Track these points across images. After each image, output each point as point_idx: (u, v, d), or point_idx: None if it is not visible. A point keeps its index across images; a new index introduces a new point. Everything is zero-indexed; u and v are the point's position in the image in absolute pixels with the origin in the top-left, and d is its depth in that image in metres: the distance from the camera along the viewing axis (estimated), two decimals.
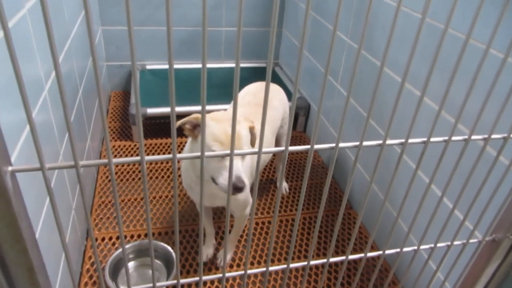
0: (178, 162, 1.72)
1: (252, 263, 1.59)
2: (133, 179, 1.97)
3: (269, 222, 1.79)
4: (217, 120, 1.12)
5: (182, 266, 1.53)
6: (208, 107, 2.27)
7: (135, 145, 2.22)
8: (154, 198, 1.86)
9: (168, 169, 2.06)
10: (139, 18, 2.51)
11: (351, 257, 0.77)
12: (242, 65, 2.82)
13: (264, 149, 0.52)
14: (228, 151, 0.51)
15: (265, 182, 2.03)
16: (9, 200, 0.47)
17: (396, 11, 0.48)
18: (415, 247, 0.83)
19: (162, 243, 1.50)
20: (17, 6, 0.93)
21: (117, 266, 1.43)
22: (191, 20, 2.60)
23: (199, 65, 2.75)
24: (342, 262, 0.78)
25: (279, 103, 1.65)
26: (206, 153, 0.50)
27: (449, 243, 0.86)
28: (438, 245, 0.83)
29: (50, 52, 0.39)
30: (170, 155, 0.49)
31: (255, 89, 1.63)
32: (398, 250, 0.82)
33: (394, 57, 1.51)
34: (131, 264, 1.48)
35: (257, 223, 1.77)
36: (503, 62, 0.59)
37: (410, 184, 0.68)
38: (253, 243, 1.68)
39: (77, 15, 1.73)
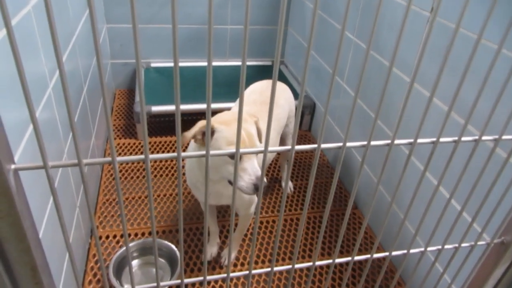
0: (183, 160, 1.71)
1: (256, 262, 1.59)
2: (137, 177, 1.97)
3: (274, 221, 1.78)
4: (225, 123, 1.11)
5: (186, 264, 1.53)
6: (213, 105, 2.26)
7: (139, 143, 2.22)
8: (159, 196, 1.86)
9: (172, 167, 2.06)
10: (144, 16, 2.50)
11: (357, 258, 0.76)
12: (247, 63, 2.81)
13: (270, 148, 0.51)
14: (221, 151, 0.51)
15: (269, 181, 2.03)
16: (12, 198, 0.47)
17: (406, 11, 0.47)
18: (422, 249, 0.82)
19: (166, 242, 1.50)
20: (21, 3, 0.93)
21: (121, 264, 1.43)
22: (196, 18, 2.59)
23: (204, 63, 2.75)
24: (347, 263, 0.77)
25: (285, 102, 1.64)
26: (211, 152, 0.49)
27: (456, 245, 0.84)
28: (446, 246, 0.82)
29: (54, 50, 0.38)
30: (175, 154, 0.49)
31: (261, 87, 1.62)
32: (405, 251, 0.80)
33: (401, 56, 1.50)
34: (135, 262, 1.48)
35: (261, 222, 1.77)
36: None
37: (418, 185, 0.67)
38: (257, 242, 1.67)
39: (81, 13, 1.73)
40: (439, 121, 1.31)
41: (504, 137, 0.67)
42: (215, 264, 1.57)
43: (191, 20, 2.59)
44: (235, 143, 1.07)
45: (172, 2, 0.39)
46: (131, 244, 1.47)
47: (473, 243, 0.85)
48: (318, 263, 0.72)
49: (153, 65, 2.66)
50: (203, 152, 0.49)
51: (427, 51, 1.36)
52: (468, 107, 1.20)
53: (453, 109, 1.33)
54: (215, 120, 1.13)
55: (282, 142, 1.76)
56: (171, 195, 1.87)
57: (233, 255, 1.57)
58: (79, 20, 1.66)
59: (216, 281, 1.49)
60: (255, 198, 1.36)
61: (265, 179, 1.07)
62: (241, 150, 0.50)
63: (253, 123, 1.16)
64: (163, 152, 2.17)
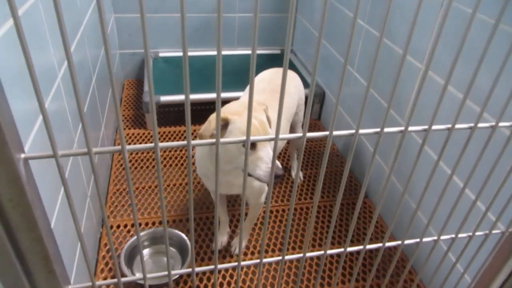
0: (193, 149, 1.71)
1: (266, 251, 1.59)
2: (147, 167, 1.98)
3: (283, 211, 1.78)
4: (238, 113, 1.10)
5: (197, 253, 1.54)
6: (222, 95, 2.26)
7: (148, 133, 2.23)
8: (168, 186, 1.86)
9: (181, 157, 2.06)
10: (151, 5, 2.49)
11: (369, 246, 0.75)
12: (256, 51, 2.79)
13: (281, 135, 0.50)
14: (232, 139, 0.50)
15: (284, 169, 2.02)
16: (23, 188, 0.46)
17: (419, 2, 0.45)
18: (435, 238, 0.81)
19: (176, 231, 1.51)
20: None
21: (132, 253, 1.44)
22: (204, 6, 2.57)
23: (212, 52, 2.73)
24: (357, 252, 0.76)
25: (294, 90, 1.62)
26: (222, 140, 0.49)
27: (470, 233, 0.83)
28: (460, 235, 0.81)
29: (62, 40, 0.38)
30: (184, 142, 0.48)
31: (270, 75, 1.60)
32: (418, 240, 0.79)
33: (412, 41, 1.47)
34: (146, 252, 1.49)
35: (271, 211, 1.76)
36: None
37: (432, 174, 0.65)
38: (267, 231, 1.67)
39: (89, 2, 1.72)
40: (452, 108, 1.28)
41: None
42: (225, 253, 1.58)
43: (199, 9, 2.57)
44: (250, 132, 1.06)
45: None
46: (141, 234, 1.49)
47: (487, 231, 0.83)
48: (329, 252, 0.71)
49: (161, 54, 2.65)
50: (213, 140, 0.48)
51: (444, 39, 1.33)
52: (482, 93, 1.18)
53: (468, 96, 1.30)
54: (227, 111, 1.12)
55: (292, 130, 1.74)
56: (180, 184, 1.88)
57: (243, 244, 1.57)
58: (87, 10, 1.66)
59: (226, 270, 1.50)
60: (265, 187, 1.35)
61: (280, 166, 1.06)
62: (253, 138, 0.49)
63: (263, 112, 1.15)
64: (172, 141, 2.17)
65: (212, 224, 1.67)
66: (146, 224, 1.65)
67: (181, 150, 2.10)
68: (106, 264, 1.46)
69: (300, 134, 0.51)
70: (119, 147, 0.46)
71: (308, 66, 2.62)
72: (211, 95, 2.23)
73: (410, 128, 0.57)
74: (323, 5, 0.42)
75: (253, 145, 1.07)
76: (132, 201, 0.52)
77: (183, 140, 2.20)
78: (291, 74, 1.69)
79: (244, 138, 0.49)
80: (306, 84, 2.40)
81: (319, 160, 2.12)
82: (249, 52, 2.77)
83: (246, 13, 2.67)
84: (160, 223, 1.65)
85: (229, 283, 1.45)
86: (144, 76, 2.41)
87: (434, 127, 0.58)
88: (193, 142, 0.48)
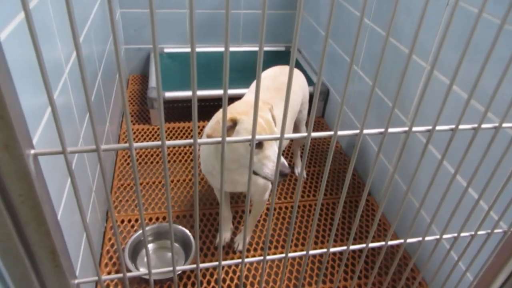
0: (198, 147, 1.72)
1: (269, 248, 1.60)
2: (151, 162, 1.99)
3: (287, 208, 1.79)
4: (245, 113, 1.11)
5: (200, 249, 1.55)
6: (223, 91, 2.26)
7: (153, 129, 2.24)
8: (172, 181, 1.88)
9: (185, 153, 2.07)
10: (157, 1, 2.49)
11: (371, 245, 0.75)
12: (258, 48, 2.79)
13: (286, 135, 0.51)
14: (235, 138, 0.51)
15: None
16: (32, 183, 0.47)
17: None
18: (438, 236, 0.81)
19: (180, 226, 1.52)
20: None
21: (136, 248, 1.46)
22: (208, 2, 2.57)
23: (217, 49, 2.73)
24: (360, 250, 0.77)
25: (298, 88, 1.62)
26: (228, 139, 0.49)
27: (472, 232, 0.84)
28: (462, 234, 0.81)
29: (72, 37, 0.38)
30: (191, 140, 0.49)
31: (274, 73, 1.61)
32: (420, 239, 0.80)
33: (417, 40, 1.47)
34: (150, 247, 1.50)
35: (274, 209, 1.77)
36: None
37: (435, 173, 0.66)
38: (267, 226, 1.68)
39: None
40: (455, 107, 1.28)
41: None
42: (229, 249, 1.59)
43: (203, 5, 2.57)
44: (257, 132, 1.07)
45: None
46: (146, 228, 1.50)
47: (489, 231, 0.84)
48: (332, 249, 0.72)
49: (166, 50, 2.65)
50: (219, 139, 0.49)
51: (449, 38, 1.33)
52: (486, 92, 1.18)
53: (472, 96, 1.30)
54: (234, 112, 1.12)
55: (296, 128, 1.75)
56: (184, 180, 1.89)
57: (246, 240, 1.58)
58: (93, 5, 1.66)
59: (229, 265, 1.51)
60: (269, 184, 1.36)
61: (287, 165, 1.07)
62: (258, 137, 0.50)
63: (268, 111, 1.16)
64: (177, 137, 2.19)
65: (215, 220, 1.68)
66: (150, 219, 1.66)
67: (185, 147, 2.11)
68: (110, 258, 1.48)
69: (305, 134, 0.52)
70: (126, 145, 0.47)
71: (313, 64, 2.62)
72: (216, 92, 2.24)
73: (414, 129, 0.57)
74: (330, 7, 0.42)
75: (260, 144, 1.07)
76: (138, 197, 0.52)
77: (188, 136, 2.21)
78: (295, 72, 1.69)
79: (250, 137, 0.49)
80: (310, 82, 2.40)
81: (323, 158, 2.12)
82: (254, 48, 2.78)
83: (251, 10, 2.67)
84: (164, 218, 1.66)
85: (232, 279, 1.46)
86: (149, 72, 2.42)
87: (438, 127, 0.59)
88: (199, 140, 0.48)
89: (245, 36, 2.76)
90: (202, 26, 2.65)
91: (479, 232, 0.83)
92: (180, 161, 2.02)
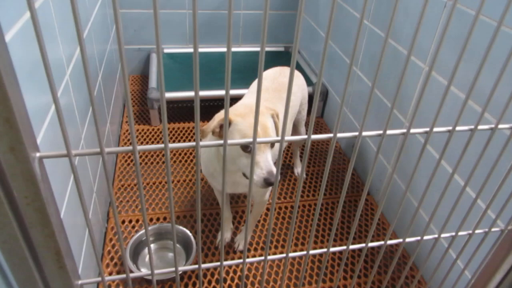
0: None
1: (269, 248, 1.61)
2: (151, 163, 1.99)
3: (286, 207, 1.80)
4: (241, 115, 1.11)
5: (201, 249, 1.56)
6: (224, 92, 2.27)
7: (153, 129, 2.24)
8: (172, 182, 1.88)
9: (185, 154, 2.08)
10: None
11: (371, 244, 0.76)
12: (258, 49, 2.80)
13: (287, 137, 0.52)
14: (240, 140, 0.52)
15: (281, 168, 2.04)
16: (38, 185, 0.48)
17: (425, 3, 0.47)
18: (436, 235, 0.82)
19: (180, 227, 1.53)
20: None
21: (137, 249, 1.47)
22: (208, 3, 2.58)
23: (216, 49, 2.74)
24: (359, 249, 0.78)
25: (297, 89, 1.63)
26: (229, 141, 0.50)
27: (470, 231, 0.85)
28: (460, 233, 0.82)
29: (77, 38, 0.39)
30: (194, 143, 0.49)
31: (273, 74, 1.62)
32: (419, 238, 0.81)
33: (422, 45, 1.47)
34: (151, 247, 1.51)
35: (274, 209, 1.78)
36: None
37: (433, 173, 0.67)
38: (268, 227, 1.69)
39: None
40: (453, 107, 1.29)
41: None
42: (229, 249, 1.60)
43: (203, 6, 2.58)
44: (248, 136, 1.08)
45: None
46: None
47: (487, 229, 0.85)
48: (332, 249, 0.73)
49: (166, 51, 2.66)
50: (221, 142, 0.50)
51: (448, 39, 1.34)
52: (483, 93, 1.19)
53: (465, 96, 1.31)
54: (232, 113, 1.13)
55: (295, 128, 1.76)
56: (184, 181, 1.90)
57: (247, 241, 1.59)
58: (94, 6, 1.67)
59: (230, 265, 1.52)
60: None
61: (274, 173, 1.07)
62: (259, 139, 0.51)
63: (270, 116, 1.16)
64: (176, 138, 2.20)
65: (216, 220, 1.69)
66: (151, 219, 1.67)
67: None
68: (112, 259, 1.49)
69: (305, 136, 0.53)
70: (130, 148, 0.48)
71: (312, 64, 2.63)
72: (216, 92, 2.24)
73: (412, 130, 0.58)
74: (330, 12, 0.43)
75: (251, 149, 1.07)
76: (141, 199, 0.53)
77: (187, 136, 2.22)
78: (294, 73, 1.70)
79: (250, 139, 0.50)
80: (309, 82, 2.41)
81: (322, 157, 2.13)
82: (253, 49, 2.78)
83: (250, 10, 2.67)
84: (165, 219, 1.67)
85: (232, 279, 1.47)
86: (149, 72, 2.42)
87: (435, 129, 0.60)
88: (201, 143, 0.49)
89: (244, 37, 2.76)
90: (202, 27, 2.66)
91: (477, 231, 0.84)
92: (180, 161, 2.03)
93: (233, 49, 2.76)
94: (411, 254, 1.59)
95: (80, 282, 0.63)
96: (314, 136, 0.54)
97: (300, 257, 1.55)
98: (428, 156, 1.44)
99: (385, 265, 1.56)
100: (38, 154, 0.48)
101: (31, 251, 0.55)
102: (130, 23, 2.55)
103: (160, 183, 1.87)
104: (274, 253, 1.59)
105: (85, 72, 0.41)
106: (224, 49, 2.75)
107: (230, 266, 1.51)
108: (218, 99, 2.27)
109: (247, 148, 1.08)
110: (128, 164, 1.96)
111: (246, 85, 1.77)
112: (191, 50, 2.70)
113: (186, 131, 2.26)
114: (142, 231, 1.49)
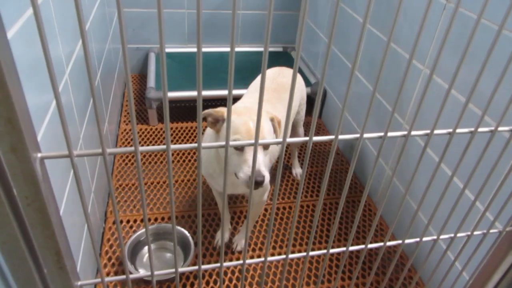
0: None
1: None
2: (149, 162, 1.99)
3: (284, 208, 1.80)
4: (237, 113, 1.12)
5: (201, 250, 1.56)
6: (224, 92, 2.26)
7: (151, 129, 2.24)
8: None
9: (183, 154, 2.08)
10: (155, 0, 2.49)
11: (370, 245, 0.77)
12: (256, 49, 2.80)
13: (288, 139, 0.52)
14: (242, 142, 0.51)
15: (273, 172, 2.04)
16: (39, 186, 0.48)
17: (427, 7, 0.47)
18: (435, 237, 0.82)
19: (178, 227, 1.53)
20: None
21: (135, 249, 1.46)
22: (207, 3, 2.58)
23: (215, 49, 2.74)
24: (357, 250, 0.78)
25: (296, 90, 1.64)
26: (231, 143, 0.50)
27: (469, 233, 0.85)
28: (458, 235, 0.83)
29: (81, 38, 0.39)
30: (195, 144, 0.49)
31: (272, 74, 1.62)
32: (418, 239, 0.81)
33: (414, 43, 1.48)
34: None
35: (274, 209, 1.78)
36: None
37: (433, 175, 0.67)
38: (268, 228, 1.69)
39: None
40: (453, 110, 1.30)
41: None
42: (227, 250, 1.60)
43: (203, 5, 2.57)
44: (240, 132, 1.08)
45: None
46: (144, 230, 1.51)
47: (485, 231, 0.85)
48: (332, 250, 0.73)
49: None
50: (223, 143, 0.50)
51: (442, 39, 1.34)
52: (483, 96, 1.19)
53: (466, 99, 1.31)
54: (233, 111, 1.14)
55: (294, 129, 1.76)
56: (183, 181, 1.90)
57: (247, 242, 1.59)
58: (93, 4, 1.67)
59: (228, 266, 1.52)
60: (268, 186, 1.37)
61: (266, 173, 1.07)
62: (261, 141, 0.51)
63: (267, 119, 1.17)
64: (175, 138, 2.19)
65: (213, 220, 1.69)
66: (149, 220, 1.67)
67: None
68: (109, 259, 1.48)
69: (306, 138, 0.53)
70: (132, 149, 0.48)
71: (310, 64, 2.63)
72: (215, 92, 2.24)
73: (413, 133, 0.59)
74: (332, 22, 0.43)
75: (242, 147, 1.07)
76: (143, 199, 0.53)
77: (186, 136, 2.21)
78: (292, 73, 1.70)
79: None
80: (308, 83, 2.41)
81: (320, 158, 2.13)
82: (252, 49, 2.78)
83: (248, 10, 2.67)
84: (163, 219, 1.67)
85: (230, 279, 1.47)
86: (148, 71, 2.42)
87: (436, 131, 0.60)
88: (203, 144, 0.49)
89: (243, 37, 2.76)
90: (202, 26, 2.65)
91: (475, 233, 0.84)
92: (178, 161, 2.02)
93: None
94: (410, 256, 1.59)
95: (79, 283, 0.63)
96: (315, 138, 0.54)
97: (298, 258, 1.55)
98: (426, 158, 1.45)
99: (383, 266, 1.57)
100: (39, 155, 0.48)
101: (31, 251, 0.55)
102: (129, 22, 2.54)
103: (158, 183, 1.86)
104: (273, 254, 1.59)
105: (88, 73, 0.41)
106: (223, 49, 2.75)
107: (228, 267, 1.51)
108: (217, 99, 2.27)
109: (240, 148, 1.08)
110: (126, 164, 1.95)
111: (245, 85, 1.77)
112: (190, 49, 2.70)
113: (184, 131, 2.26)
114: (140, 231, 1.49)
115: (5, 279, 0.64)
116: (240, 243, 1.58)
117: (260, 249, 1.60)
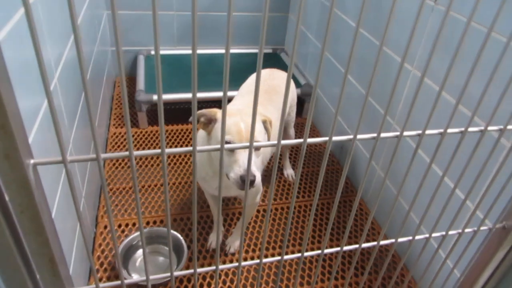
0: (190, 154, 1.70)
1: (260, 250, 1.61)
2: (140, 166, 1.98)
3: (277, 209, 1.80)
4: (229, 114, 1.13)
5: (191, 252, 1.55)
6: (215, 94, 2.26)
7: (141, 132, 2.23)
8: (162, 185, 1.87)
9: (174, 157, 2.07)
10: (144, 2, 2.48)
11: (364, 245, 0.77)
12: (248, 50, 2.80)
13: (283, 141, 0.52)
14: (237, 144, 0.52)
15: (271, 169, 2.04)
16: (32, 193, 0.47)
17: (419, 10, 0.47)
18: (427, 235, 0.83)
19: (171, 230, 1.52)
20: None
21: (128, 254, 1.45)
22: (198, 4, 2.57)
23: (205, 51, 2.73)
24: (350, 250, 0.79)
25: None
26: (226, 145, 0.50)
27: (460, 230, 0.86)
28: (450, 232, 0.84)
29: (75, 44, 0.39)
30: (190, 148, 0.49)
31: (263, 76, 1.62)
32: (410, 238, 0.82)
33: (403, 44, 1.50)
34: (141, 251, 1.50)
35: (264, 210, 1.79)
36: None
37: (425, 176, 0.68)
38: (261, 229, 1.69)
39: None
40: (442, 110, 1.32)
41: (509, 127, 0.68)
42: (220, 252, 1.59)
43: (190, 7, 2.57)
44: (230, 133, 1.09)
45: None
46: (137, 233, 1.49)
47: (476, 228, 0.86)
48: (326, 251, 0.74)
49: (153, 52, 2.64)
50: (218, 146, 0.50)
51: (430, 40, 1.36)
52: (472, 96, 1.21)
53: (456, 100, 1.33)
54: (220, 111, 1.15)
55: (284, 130, 1.77)
56: (174, 183, 1.89)
57: (237, 243, 1.59)
58: (82, 6, 1.65)
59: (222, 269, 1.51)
60: (260, 187, 1.37)
61: (257, 173, 1.07)
62: (256, 144, 0.51)
63: (259, 120, 1.18)
64: (165, 141, 2.18)
65: (206, 223, 1.69)
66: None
67: None
68: (101, 264, 1.47)
69: (301, 140, 0.53)
70: (126, 153, 0.47)
71: (300, 65, 2.64)
72: (206, 94, 2.24)
73: (406, 133, 0.59)
74: (325, 30, 0.43)
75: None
76: (137, 203, 0.53)
77: (177, 138, 2.20)
78: (283, 75, 1.71)
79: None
80: (297, 84, 2.42)
81: (311, 159, 2.14)
82: (242, 50, 2.78)
83: (238, 12, 2.68)
84: (155, 222, 1.66)
85: (224, 281, 1.46)
86: (137, 74, 2.40)
87: (427, 131, 0.61)
88: (198, 147, 0.49)
89: (232, 38, 2.76)
90: (189, 28, 2.65)
91: (466, 230, 0.86)
92: (169, 164, 2.01)
93: (221, 51, 2.76)
94: (402, 256, 1.60)
95: None
96: (310, 140, 0.55)
97: (292, 259, 1.56)
98: (418, 158, 1.46)
99: (375, 265, 1.58)
100: (32, 161, 0.47)
101: (24, 259, 0.54)
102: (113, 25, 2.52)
103: (149, 186, 1.85)
104: (265, 256, 1.59)
105: (82, 77, 0.41)
106: (212, 51, 2.74)
107: (222, 270, 1.51)
108: (208, 101, 2.26)
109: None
110: (116, 168, 1.94)
111: (235, 87, 1.77)
112: (180, 52, 2.69)
113: (175, 133, 2.25)
114: (132, 236, 1.48)
115: None
116: (233, 245, 1.58)
117: (253, 250, 1.60)
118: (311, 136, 2.27)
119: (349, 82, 1.96)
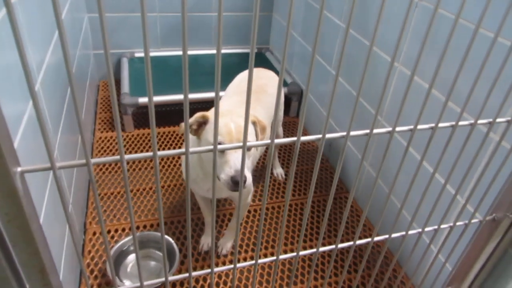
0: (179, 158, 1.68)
1: (253, 250, 1.60)
2: (127, 169, 1.95)
3: (267, 209, 1.80)
4: (219, 115, 1.11)
5: (184, 256, 1.54)
6: (202, 95, 2.24)
7: (127, 136, 2.20)
8: (151, 189, 1.85)
9: (162, 159, 2.04)
10: (128, 4, 2.45)
11: (359, 242, 0.77)
12: (233, 50, 2.79)
13: (277, 140, 0.52)
14: (231, 145, 0.51)
15: (261, 169, 2.04)
16: (20, 201, 0.46)
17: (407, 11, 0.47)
18: (420, 230, 0.84)
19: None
20: None
21: (118, 259, 1.43)
22: (178, 5, 2.55)
23: (190, 52, 2.71)
24: (342, 248, 0.79)
25: (274, 90, 1.64)
26: (219, 146, 0.50)
27: (451, 224, 0.87)
28: (442, 226, 0.85)
29: (61, 47, 0.37)
30: (183, 150, 0.48)
31: None
32: (404, 233, 0.83)
33: (390, 40, 1.51)
34: (132, 257, 1.48)
35: (255, 210, 1.78)
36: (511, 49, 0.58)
37: (416, 173, 0.68)
38: (252, 230, 1.68)
39: (63, 2, 1.68)
40: (432, 107, 1.33)
41: (498, 120, 0.69)
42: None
43: (173, 8, 2.55)
44: (221, 133, 1.08)
45: None
46: (128, 238, 1.47)
47: (467, 221, 0.87)
48: (321, 249, 0.73)
49: (137, 55, 2.61)
50: (210, 147, 0.49)
51: (417, 37, 1.37)
52: (460, 92, 1.22)
53: (446, 95, 1.35)
54: (210, 112, 1.14)
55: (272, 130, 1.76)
56: (163, 187, 1.87)
57: (229, 244, 1.58)
58: (62, 10, 1.62)
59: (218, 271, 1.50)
60: (251, 187, 1.37)
61: (248, 175, 1.07)
62: (250, 143, 0.50)
63: (249, 121, 1.17)
64: (150, 143, 2.15)
65: (197, 225, 1.67)
66: (130, 228, 1.63)
67: None
68: (91, 271, 1.44)
69: (294, 138, 0.53)
70: (118, 157, 0.46)
71: (286, 64, 2.64)
72: (191, 96, 2.22)
73: (398, 129, 0.59)
74: (315, 34, 0.43)
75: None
76: (130, 208, 0.52)
77: (164, 141, 2.18)
78: (269, 74, 1.71)
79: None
80: (284, 83, 2.42)
81: (300, 157, 2.14)
82: (227, 51, 2.77)
83: (223, 12, 2.66)
84: (145, 227, 1.64)
85: (217, 284, 1.45)
86: (121, 77, 2.37)
87: (419, 126, 0.61)
88: (191, 149, 0.48)
89: (216, 39, 2.75)
90: (174, 29, 2.62)
91: (458, 223, 0.86)
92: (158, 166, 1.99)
93: (206, 52, 2.75)
94: (394, 253, 1.62)
95: None
96: (303, 138, 0.54)
97: (285, 258, 1.55)
98: (408, 155, 1.47)
99: (368, 261, 1.59)
100: (19, 169, 0.45)
101: (13, 270, 0.52)
102: (99, 27, 2.48)
103: (138, 190, 1.83)
104: (260, 256, 1.59)
105: (70, 82, 0.40)
106: (197, 52, 2.72)
107: (217, 272, 1.49)
108: (194, 102, 2.25)
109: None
110: (104, 173, 1.91)
111: (222, 87, 1.76)
112: (164, 53, 2.66)
113: (162, 136, 2.22)
114: (122, 241, 1.45)
115: None
116: (225, 246, 1.57)
117: (246, 251, 1.59)
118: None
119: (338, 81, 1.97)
